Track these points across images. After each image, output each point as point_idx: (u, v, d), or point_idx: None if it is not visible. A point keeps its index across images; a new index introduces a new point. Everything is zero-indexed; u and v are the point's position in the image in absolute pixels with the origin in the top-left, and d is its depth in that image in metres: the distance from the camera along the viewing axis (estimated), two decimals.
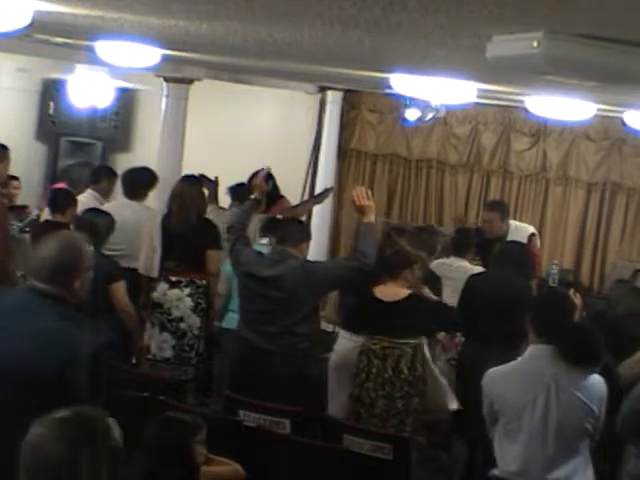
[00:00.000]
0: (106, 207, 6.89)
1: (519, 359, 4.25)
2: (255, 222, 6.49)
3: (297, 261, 5.46)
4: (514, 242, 6.58)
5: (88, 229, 5.73)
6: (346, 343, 5.65)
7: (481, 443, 5.80)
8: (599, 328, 4.29)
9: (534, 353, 4.12)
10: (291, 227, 5.67)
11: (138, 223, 6.93)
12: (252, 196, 5.94)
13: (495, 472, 4.14)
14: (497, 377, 4.17)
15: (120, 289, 5.99)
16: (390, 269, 5.38)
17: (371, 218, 5.39)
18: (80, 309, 3.18)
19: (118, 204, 7.22)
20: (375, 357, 5.28)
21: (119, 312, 5.99)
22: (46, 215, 7.13)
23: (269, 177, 6.56)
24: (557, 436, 3.97)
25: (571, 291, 4.90)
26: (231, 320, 6.19)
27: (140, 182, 7.35)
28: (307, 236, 5.67)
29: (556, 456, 3.99)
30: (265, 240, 6.17)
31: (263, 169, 6.87)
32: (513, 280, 5.88)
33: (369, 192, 5.47)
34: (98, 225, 6.07)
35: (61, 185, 8.42)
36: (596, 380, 4.06)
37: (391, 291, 5.36)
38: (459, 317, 5.67)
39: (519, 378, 4.11)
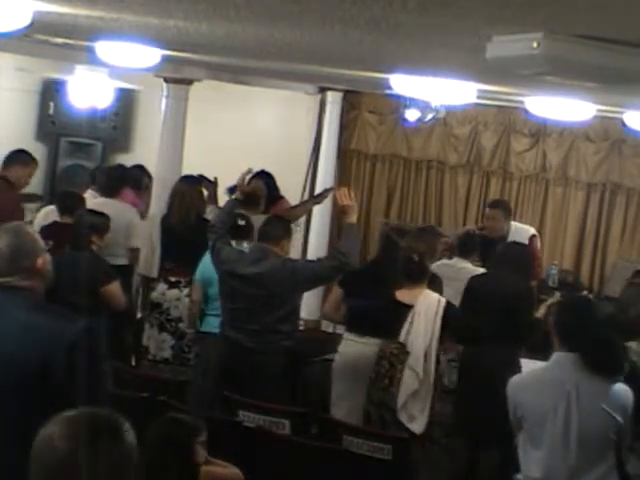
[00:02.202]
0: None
1: (543, 366, 4.20)
2: (255, 222, 6.47)
3: (279, 259, 5.45)
4: (515, 243, 6.58)
5: (90, 228, 5.76)
6: (352, 345, 5.64)
7: (481, 443, 5.83)
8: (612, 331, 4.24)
9: (558, 360, 4.05)
10: (272, 225, 5.63)
11: (115, 220, 6.92)
12: (233, 196, 5.92)
13: (519, 477, 4.10)
14: (521, 384, 4.13)
15: (115, 289, 5.96)
16: (418, 276, 5.44)
17: (353, 218, 5.43)
18: (52, 302, 3.12)
19: (96, 203, 7.16)
20: (398, 362, 5.26)
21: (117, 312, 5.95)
22: (43, 216, 7.13)
23: (258, 176, 6.55)
24: (580, 444, 3.90)
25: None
26: (208, 323, 6.14)
27: (111, 179, 7.33)
28: (288, 233, 5.63)
29: (580, 464, 3.92)
30: (245, 245, 6.03)
31: (263, 170, 6.88)
32: (514, 280, 5.88)
33: (352, 193, 5.51)
34: (98, 225, 6.08)
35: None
36: (620, 388, 3.97)
37: (414, 294, 5.37)
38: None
39: (542, 385, 4.05)
